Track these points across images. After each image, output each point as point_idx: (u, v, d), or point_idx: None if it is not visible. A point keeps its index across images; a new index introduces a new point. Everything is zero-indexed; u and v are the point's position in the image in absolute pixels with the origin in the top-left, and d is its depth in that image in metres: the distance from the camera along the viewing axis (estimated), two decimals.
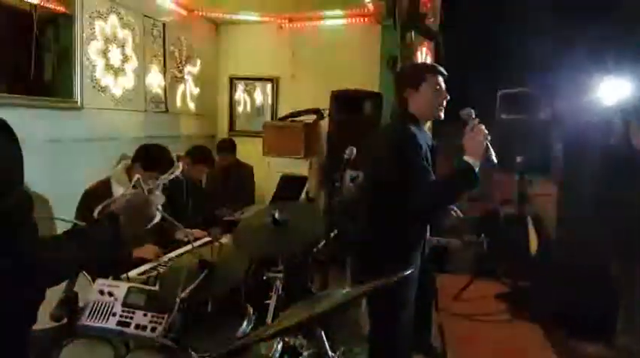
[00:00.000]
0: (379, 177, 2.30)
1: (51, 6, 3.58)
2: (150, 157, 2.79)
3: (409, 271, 1.39)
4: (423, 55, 5.01)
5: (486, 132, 2.19)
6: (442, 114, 2.38)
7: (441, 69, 2.43)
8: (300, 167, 4.76)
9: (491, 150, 2.18)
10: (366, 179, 2.48)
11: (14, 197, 1.16)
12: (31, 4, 3.44)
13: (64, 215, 1.73)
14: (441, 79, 2.37)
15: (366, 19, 5.07)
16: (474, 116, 2.26)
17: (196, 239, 3.04)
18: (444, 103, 2.36)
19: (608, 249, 3.75)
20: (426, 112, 2.37)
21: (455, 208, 2.83)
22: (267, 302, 2.04)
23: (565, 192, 4.73)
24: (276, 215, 1.88)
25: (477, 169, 2.14)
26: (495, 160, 2.18)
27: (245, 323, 1.89)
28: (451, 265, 5.30)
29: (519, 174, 4.85)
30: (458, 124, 2.31)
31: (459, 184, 2.18)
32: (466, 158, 2.15)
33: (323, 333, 1.21)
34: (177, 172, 1.75)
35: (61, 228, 1.48)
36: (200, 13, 5.24)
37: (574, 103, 4.50)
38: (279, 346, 1.74)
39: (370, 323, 2.48)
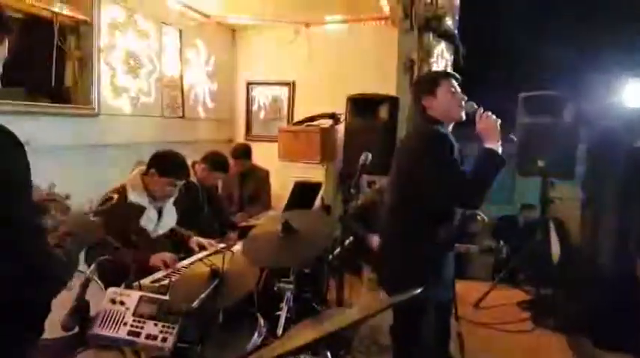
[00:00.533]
0: (413, 177, 2.29)
1: (71, 14, 3.61)
2: (164, 163, 2.81)
3: (419, 290, 1.34)
4: (441, 57, 4.95)
5: (495, 116, 2.29)
6: (463, 115, 2.41)
7: (454, 73, 2.53)
8: (316, 172, 4.73)
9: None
10: (396, 181, 2.43)
11: (22, 202, 1.17)
12: (52, 12, 3.48)
13: None
14: (454, 83, 2.42)
15: (382, 22, 5.01)
16: (477, 106, 2.35)
17: (204, 248, 3.03)
18: (463, 104, 2.40)
19: (634, 253, 3.63)
20: (447, 114, 2.40)
21: (481, 213, 2.81)
22: (278, 313, 2.01)
23: (589, 195, 4.60)
24: (286, 224, 1.84)
25: (499, 151, 2.24)
26: (514, 138, 2.41)
27: (256, 334, 1.86)
28: (471, 272, 5.21)
29: (542, 177, 4.74)
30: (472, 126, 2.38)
31: (489, 169, 2.23)
32: (487, 145, 2.25)
33: (329, 354, 1.16)
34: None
35: None
36: (217, 19, 5.25)
37: (598, 105, 4.38)
38: None
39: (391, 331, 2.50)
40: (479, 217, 2.77)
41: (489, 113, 2.31)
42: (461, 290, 4.20)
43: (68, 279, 1.43)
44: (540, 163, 4.53)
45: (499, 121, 2.30)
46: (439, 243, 2.34)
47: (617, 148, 4.06)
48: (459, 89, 2.44)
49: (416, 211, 2.31)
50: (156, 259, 2.68)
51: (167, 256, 2.72)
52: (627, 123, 4.09)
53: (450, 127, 2.43)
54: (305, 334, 1.13)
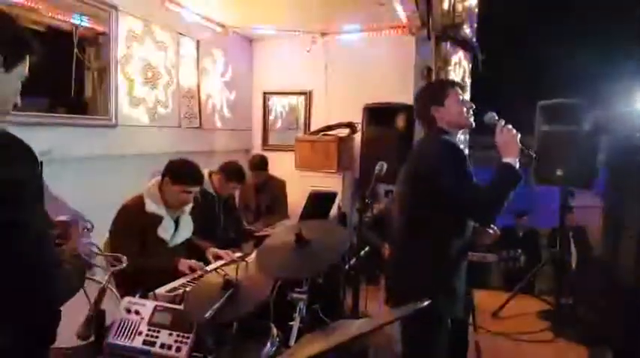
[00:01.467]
0: (429, 189, 2.25)
1: (90, 25, 3.68)
2: (177, 170, 2.84)
3: (426, 303, 1.33)
4: (459, 66, 4.92)
5: (515, 130, 2.25)
6: (472, 121, 2.41)
7: (458, 82, 2.65)
8: (333, 181, 4.72)
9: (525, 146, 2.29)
10: (409, 192, 2.39)
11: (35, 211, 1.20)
12: (72, 25, 3.55)
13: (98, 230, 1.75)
14: (460, 91, 2.42)
15: (399, 31, 5.00)
16: (497, 118, 2.33)
17: (219, 258, 3.05)
18: (471, 111, 2.40)
19: None
20: (457, 123, 2.40)
21: (494, 227, 2.77)
22: (291, 323, 2.00)
23: (609, 204, 4.53)
24: (299, 235, 1.84)
25: (517, 166, 2.22)
26: (533, 154, 2.33)
27: (269, 344, 1.86)
28: (489, 281, 5.15)
29: (561, 186, 4.67)
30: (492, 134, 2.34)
31: (506, 184, 2.21)
32: (505, 160, 2.23)
33: None
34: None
35: None
36: (234, 30, 5.30)
37: (618, 114, 4.31)
38: None
39: (404, 344, 2.42)
40: (491, 230, 2.73)
41: (509, 126, 2.28)
42: (479, 299, 4.17)
43: (67, 295, 1.47)
44: (559, 172, 4.48)
45: (519, 135, 2.27)
46: (452, 255, 2.31)
47: (637, 157, 3.99)
48: (466, 97, 2.44)
49: (429, 223, 2.28)
50: (184, 265, 2.72)
51: (194, 263, 2.76)
52: None
53: (459, 134, 2.43)
54: (312, 346, 1.13)
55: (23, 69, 1.32)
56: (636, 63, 4.63)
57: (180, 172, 2.83)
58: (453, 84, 2.50)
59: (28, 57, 1.32)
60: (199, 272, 2.71)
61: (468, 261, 3.44)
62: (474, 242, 2.52)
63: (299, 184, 4.91)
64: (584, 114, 4.57)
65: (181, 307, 2.03)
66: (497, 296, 4.83)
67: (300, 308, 1.99)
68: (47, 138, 3.10)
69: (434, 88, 2.59)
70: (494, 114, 2.35)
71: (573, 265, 4.62)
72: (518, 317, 4.56)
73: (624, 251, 4.02)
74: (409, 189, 2.38)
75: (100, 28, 3.75)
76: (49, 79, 3.54)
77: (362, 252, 3.17)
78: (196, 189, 2.91)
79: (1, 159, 1.19)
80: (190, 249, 3.06)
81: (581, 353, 3.91)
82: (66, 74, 3.59)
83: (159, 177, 2.89)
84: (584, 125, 4.56)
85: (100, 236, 2.40)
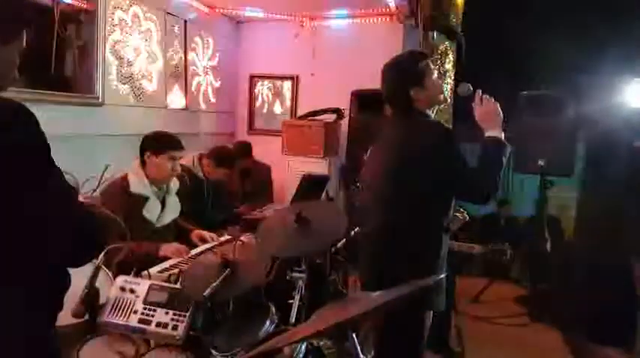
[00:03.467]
0: (422, 175, 2.10)
1: (72, 2, 3.60)
2: (155, 141, 2.80)
3: (443, 275, 1.35)
4: (445, 55, 4.96)
5: (493, 99, 2.14)
6: (446, 97, 2.33)
7: (426, 52, 2.43)
8: (319, 166, 4.74)
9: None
10: (393, 176, 2.19)
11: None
12: (52, 0, 3.46)
13: None
14: (431, 64, 2.28)
15: (387, 19, 5.02)
16: (472, 89, 2.20)
17: (204, 241, 2.96)
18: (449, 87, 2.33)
19: (631, 250, 3.69)
20: (435, 102, 2.28)
21: (463, 211, 2.76)
22: (290, 301, 2.03)
23: (587, 193, 4.67)
24: (300, 214, 1.87)
25: (502, 136, 2.10)
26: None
27: (268, 322, 1.88)
28: (469, 267, 5.27)
29: (541, 176, 4.79)
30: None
31: (497, 158, 2.08)
32: (489, 133, 2.12)
33: (355, 336, 1.19)
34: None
35: None
36: (221, 11, 5.24)
37: (598, 105, 4.43)
38: (303, 347, 1.72)
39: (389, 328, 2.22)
40: (459, 215, 2.71)
41: (487, 96, 2.15)
42: (460, 285, 4.28)
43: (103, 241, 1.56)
44: (540, 162, 4.59)
45: (497, 105, 2.13)
46: (441, 242, 2.17)
47: (617, 148, 4.12)
48: (436, 69, 2.31)
49: (420, 210, 2.14)
50: (166, 250, 2.66)
51: (178, 246, 2.72)
52: (627, 123, 4.14)
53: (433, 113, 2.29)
54: (330, 318, 1.15)
55: (20, 42, 1.30)
56: (617, 56, 4.74)
57: (160, 141, 2.79)
58: (427, 56, 2.31)
59: (25, 30, 1.31)
60: (185, 256, 2.66)
61: (454, 251, 3.51)
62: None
63: (285, 169, 4.92)
64: (565, 105, 4.69)
65: (178, 286, 2.04)
66: (477, 282, 4.97)
67: (299, 287, 2.01)
68: None
69: (408, 66, 2.26)
70: (469, 84, 2.21)
71: (548, 252, 4.76)
72: (497, 302, 4.70)
73: (600, 239, 4.16)
74: (399, 176, 2.17)
75: (82, 5, 3.67)
76: (28, 56, 3.46)
77: (350, 236, 3.20)
78: (180, 153, 2.84)
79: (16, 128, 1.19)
80: (176, 230, 3.03)
81: (556, 336, 4.06)
82: (46, 51, 3.50)
83: (137, 159, 2.84)
84: (565, 116, 4.68)
85: None
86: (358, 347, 1.20)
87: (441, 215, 2.18)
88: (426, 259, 2.13)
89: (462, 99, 2.33)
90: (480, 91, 2.18)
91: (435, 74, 2.27)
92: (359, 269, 2.44)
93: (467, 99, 2.21)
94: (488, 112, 2.14)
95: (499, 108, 2.13)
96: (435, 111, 2.33)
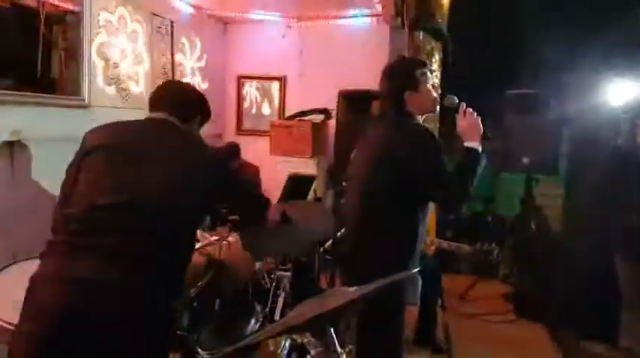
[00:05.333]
0: (400, 174, 2.17)
1: (58, 3, 3.59)
2: None
3: (417, 269, 1.38)
4: (431, 55, 5.01)
5: (475, 113, 2.24)
6: (437, 108, 2.44)
7: (425, 61, 2.56)
8: (306, 166, 4.77)
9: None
10: (374, 177, 2.26)
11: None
12: (38, 1, 3.46)
13: None
14: (429, 74, 2.38)
15: (374, 19, 5.05)
16: (457, 101, 2.30)
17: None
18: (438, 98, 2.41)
19: (614, 248, 3.75)
20: (426, 109, 2.37)
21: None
22: (276, 299, 2.05)
23: (572, 191, 4.73)
24: (284, 214, 1.89)
25: (479, 149, 2.20)
26: (489, 134, 2.26)
27: (253, 321, 1.91)
28: (456, 265, 5.32)
29: (526, 174, 4.86)
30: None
31: (472, 169, 2.17)
32: (468, 144, 2.20)
33: (332, 330, 1.22)
34: None
35: None
36: (208, 12, 5.24)
37: (582, 104, 4.49)
38: (287, 343, 1.75)
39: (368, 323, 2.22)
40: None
41: (470, 109, 2.26)
42: (447, 282, 4.33)
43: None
44: (525, 160, 4.65)
45: (479, 119, 2.24)
46: (417, 242, 2.25)
47: (599, 146, 4.18)
48: (432, 80, 2.40)
49: (396, 210, 2.21)
50: None
51: None
52: (609, 121, 4.20)
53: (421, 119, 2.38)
54: (307, 313, 1.18)
55: None
56: (599, 55, 4.81)
57: None
58: (424, 64, 2.43)
59: None
60: None
61: (442, 250, 3.56)
62: None
63: (273, 169, 4.94)
64: (549, 104, 4.76)
65: None
66: (464, 279, 5.02)
67: (284, 286, 2.04)
68: (15, 119, 3.04)
69: (406, 70, 2.39)
70: (455, 97, 2.32)
71: (534, 250, 4.83)
72: (484, 299, 4.75)
73: (584, 236, 4.22)
74: (377, 174, 2.26)
75: (68, 6, 3.66)
76: (13, 58, 3.45)
77: (338, 235, 3.22)
78: None
79: None
80: None
81: (541, 332, 4.12)
82: (31, 53, 3.49)
83: None
84: (549, 115, 4.75)
85: None
86: (336, 341, 1.23)
87: (417, 212, 2.25)
88: (401, 256, 2.19)
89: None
90: (464, 104, 2.29)
91: (430, 83, 2.36)
92: (339, 266, 2.50)
93: (451, 111, 2.31)
94: (470, 125, 2.24)
95: (480, 123, 2.24)
96: (423, 119, 2.41)
